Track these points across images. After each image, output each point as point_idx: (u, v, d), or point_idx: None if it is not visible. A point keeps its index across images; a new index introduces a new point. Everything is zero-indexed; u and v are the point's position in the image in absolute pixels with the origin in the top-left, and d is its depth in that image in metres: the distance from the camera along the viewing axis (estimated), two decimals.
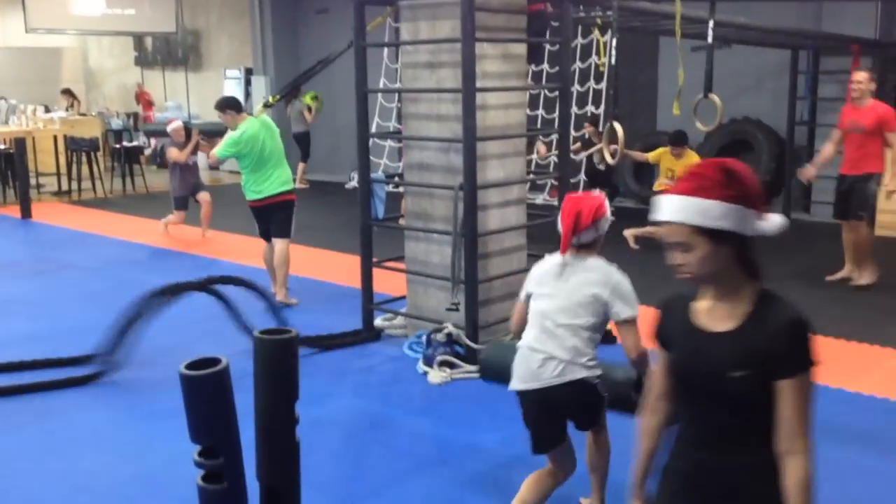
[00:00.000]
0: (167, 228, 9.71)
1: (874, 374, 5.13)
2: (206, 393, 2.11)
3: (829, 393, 4.80)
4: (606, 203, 3.16)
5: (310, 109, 13.87)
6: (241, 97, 15.41)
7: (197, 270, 8.09)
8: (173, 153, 9.32)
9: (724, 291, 1.91)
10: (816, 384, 1.84)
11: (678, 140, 8.26)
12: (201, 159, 10.32)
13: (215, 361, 2.15)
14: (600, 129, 9.87)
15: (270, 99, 7.49)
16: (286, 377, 2.40)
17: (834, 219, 7.22)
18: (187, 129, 9.60)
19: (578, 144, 10.25)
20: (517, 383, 3.12)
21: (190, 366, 2.15)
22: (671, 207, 1.88)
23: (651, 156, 8.66)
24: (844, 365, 5.29)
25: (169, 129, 9.57)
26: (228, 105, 6.66)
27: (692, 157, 8.39)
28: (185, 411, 2.14)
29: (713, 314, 1.93)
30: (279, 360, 2.38)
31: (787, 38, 9.38)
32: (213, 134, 9.95)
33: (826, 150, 7.21)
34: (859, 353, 5.52)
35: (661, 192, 8.58)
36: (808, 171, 7.31)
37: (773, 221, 1.88)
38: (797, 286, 6.84)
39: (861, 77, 6.76)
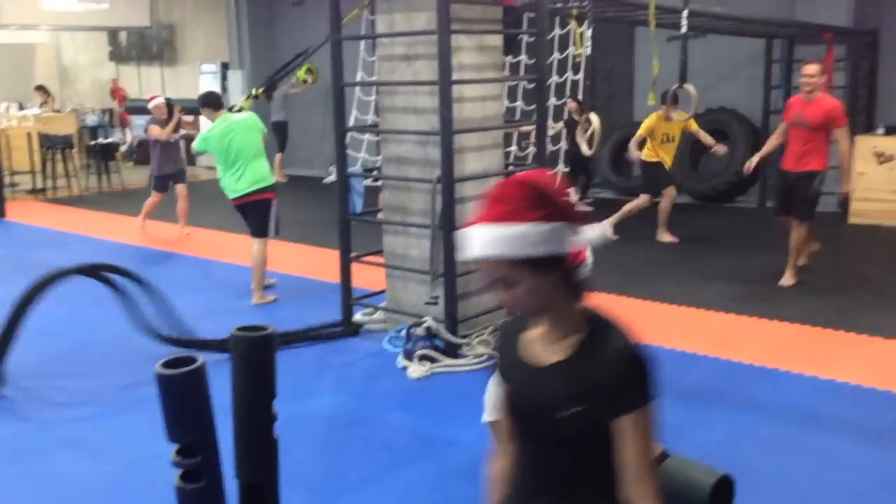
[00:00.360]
0: (144, 223, 9.57)
1: (847, 361, 5.18)
2: (182, 391, 2.10)
3: (803, 381, 4.86)
4: (587, 251, 3.21)
5: (305, 81, 13.78)
6: (217, 91, 15.32)
7: (181, 269, 8.05)
8: (154, 130, 9.14)
9: (553, 320, 1.68)
10: (657, 421, 1.64)
11: (673, 98, 8.14)
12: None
13: (191, 360, 2.14)
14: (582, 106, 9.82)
15: (254, 91, 7.44)
16: (264, 374, 2.39)
17: (776, 215, 6.95)
18: (169, 105, 9.42)
19: (560, 124, 10.27)
20: (489, 416, 3.14)
21: (166, 364, 2.14)
22: (481, 240, 1.60)
23: (642, 131, 8.41)
24: (818, 353, 5.35)
25: (150, 105, 9.37)
26: (205, 103, 6.66)
27: (683, 116, 8.28)
28: (162, 410, 2.13)
29: (541, 345, 1.71)
30: (257, 357, 2.38)
31: (761, 27, 9.44)
32: (196, 112, 9.83)
33: (772, 141, 6.99)
34: (833, 340, 5.58)
35: (654, 162, 8.40)
36: (750, 163, 7.12)
37: (594, 233, 1.68)
38: (772, 275, 6.90)
39: (812, 70, 6.42)
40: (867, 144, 9.32)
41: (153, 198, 9.51)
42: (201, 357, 2.14)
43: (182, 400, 2.09)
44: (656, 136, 8.41)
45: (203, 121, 9.18)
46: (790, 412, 4.42)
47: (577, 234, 1.64)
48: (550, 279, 1.62)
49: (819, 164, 6.50)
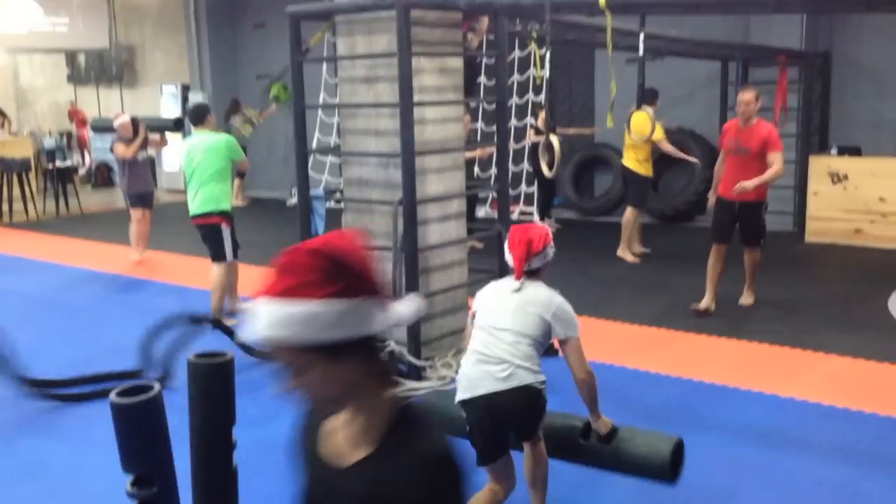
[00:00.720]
0: (133, 245, 9.19)
1: (806, 378, 5.25)
2: (137, 420, 2.07)
3: (763, 398, 4.91)
4: (551, 233, 3.35)
5: (277, 98, 13.76)
6: (178, 113, 15.21)
7: (144, 294, 7.95)
8: (120, 149, 8.90)
9: (354, 412, 1.42)
10: None
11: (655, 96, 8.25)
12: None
13: (147, 388, 2.12)
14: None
15: (248, 114, 7.43)
16: (222, 401, 2.37)
17: (714, 242, 6.65)
18: (135, 123, 9.23)
19: (533, 132, 10.37)
20: (464, 393, 3.17)
21: (121, 393, 2.11)
22: (263, 319, 1.31)
23: (662, 132, 8.36)
24: (777, 370, 5.42)
25: (115, 123, 9.13)
26: (188, 117, 6.71)
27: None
28: (117, 440, 2.10)
29: (341, 440, 1.44)
30: (215, 384, 2.35)
31: (716, 49, 9.62)
32: (161, 129, 9.70)
33: (719, 172, 6.70)
34: (791, 358, 5.65)
35: (646, 177, 8.27)
36: (711, 202, 6.89)
37: (404, 308, 1.40)
38: (731, 295, 6.97)
39: (748, 97, 6.32)
40: (821, 165, 9.51)
41: (134, 219, 9.11)
42: (156, 385, 2.11)
43: (137, 429, 2.06)
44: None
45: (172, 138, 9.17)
46: (750, 431, 4.46)
47: (384, 311, 1.35)
48: (348, 366, 1.35)
49: (763, 193, 6.40)
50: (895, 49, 9.82)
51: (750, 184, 6.16)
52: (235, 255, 6.64)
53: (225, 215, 6.48)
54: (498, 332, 3.15)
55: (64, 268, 9.15)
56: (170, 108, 15.69)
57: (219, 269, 6.51)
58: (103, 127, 10.08)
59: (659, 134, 8.44)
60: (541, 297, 3.20)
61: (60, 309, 7.41)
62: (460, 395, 3.17)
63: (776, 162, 6.25)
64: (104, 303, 7.57)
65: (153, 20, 16.71)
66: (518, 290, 3.22)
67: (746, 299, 6.86)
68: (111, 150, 9.25)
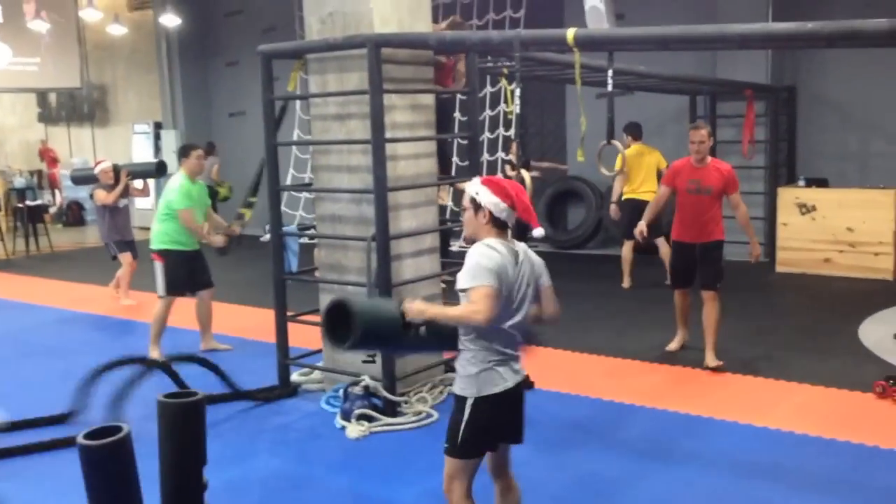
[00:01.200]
0: (127, 294, 8.98)
1: (780, 408, 5.28)
2: (105, 462, 2.04)
3: (737, 428, 4.93)
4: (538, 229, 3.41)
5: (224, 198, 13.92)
6: (150, 151, 15.20)
7: (109, 333, 7.85)
8: (100, 195, 8.77)
9: None
10: None
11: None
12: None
13: (116, 430, 2.09)
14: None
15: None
16: (192, 441, 2.34)
17: (673, 287, 6.46)
18: (116, 170, 9.12)
19: (509, 167, 10.38)
20: (493, 388, 3.10)
21: (89, 435, 2.08)
22: None
23: (623, 166, 8.53)
24: (751, 400, 5.44)
25: (97, 170, 9.00)
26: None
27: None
28: (84, 482, 2.07)
29: None
30: (184, 424, 2.32)
31: (684, 84, 9.77)
32: (144, 174, 9.62)
33: (654, 209, 6.54)
34: (765, 388, 5.68)
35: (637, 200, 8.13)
36: (640, 228, 6.55)
37: None
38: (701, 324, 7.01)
39: (702, 136, 6.04)
40: (790, 196, 9.66)
41: (123, 259, 8.91)
42: (126, 426, 2.09)
43: (106, 471, 2.03)
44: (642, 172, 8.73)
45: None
46: (725, 461, 4.46)
47: None
48: None
49: (722, 232, 6.15)
50: (859, 83, 10.04)
51: (758, 249, 6.20)
52: (166, 292, 6.65)
53: (159, 253, 6.72)
54: (512, 329, 3.12)
55: (34, 307, 9.04)
56: (142, 147, 15.67)
57: (160, 302, 6.71)
58: (84, 177, 9.87)
59: (664, 163, 8.89)
60: (535, 259, 3.20)
61: (31, 349, 7.30)
62: (491, 390, 3.09)
63: (741, 203, 6.11)
64: (74, 342, 7.47)
65: (125, 59, 16.72)
66: (525, 254, 3.15)
67: (712, 361, 6.10)
68: (91, 196, 9.13)
